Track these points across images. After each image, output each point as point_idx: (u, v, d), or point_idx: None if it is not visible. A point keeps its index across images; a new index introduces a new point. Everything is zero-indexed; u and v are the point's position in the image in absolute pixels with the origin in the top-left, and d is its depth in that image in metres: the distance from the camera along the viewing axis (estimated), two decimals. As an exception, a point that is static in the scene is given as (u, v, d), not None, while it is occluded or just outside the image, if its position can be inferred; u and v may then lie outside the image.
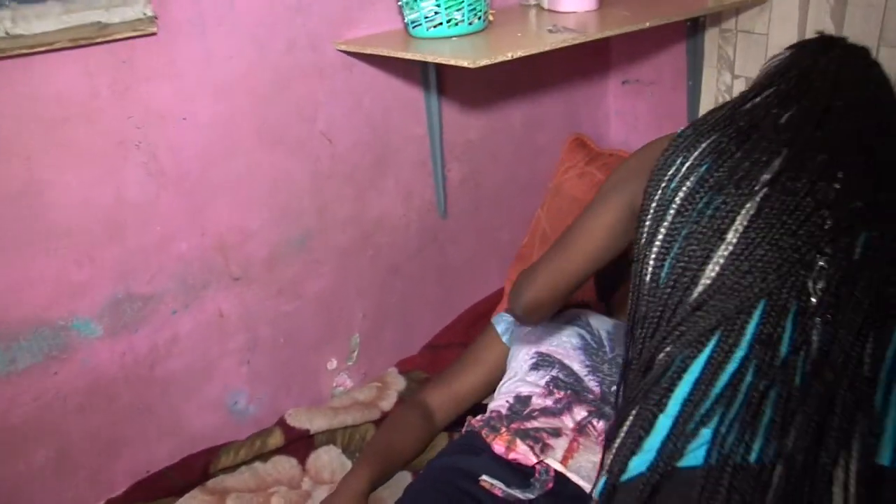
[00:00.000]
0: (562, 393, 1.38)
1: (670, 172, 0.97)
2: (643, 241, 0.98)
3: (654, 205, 0.97)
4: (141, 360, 1.33)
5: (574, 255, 1.15)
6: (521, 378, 1.44)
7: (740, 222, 0.89)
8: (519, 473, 1.24)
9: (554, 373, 1.41)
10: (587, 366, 1.42)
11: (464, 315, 1.85)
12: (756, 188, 0.89)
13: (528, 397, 1.39)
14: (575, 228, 1.16)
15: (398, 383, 1.65)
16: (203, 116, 1.30)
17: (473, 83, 1.68)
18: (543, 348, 1.46)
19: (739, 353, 0.84)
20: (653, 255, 0.95)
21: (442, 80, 1.61)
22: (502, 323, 1.62)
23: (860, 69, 1.03)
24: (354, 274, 1.60)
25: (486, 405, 1.60)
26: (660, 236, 0.95)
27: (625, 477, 0.86)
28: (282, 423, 1.49)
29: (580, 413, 1.34)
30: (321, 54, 1.42)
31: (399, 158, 1.60)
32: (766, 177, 0.90)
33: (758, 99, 1.01)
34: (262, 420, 1.51)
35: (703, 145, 0.97)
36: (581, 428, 1.32)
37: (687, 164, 0.96)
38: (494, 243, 1.89)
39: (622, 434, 0.90)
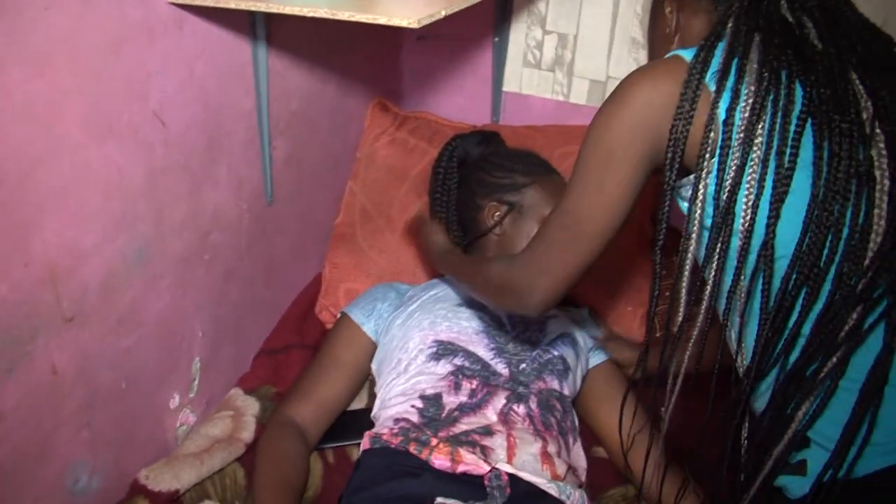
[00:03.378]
0: (472, 382, 1.28)
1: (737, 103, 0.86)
2: (726, 193, 0.86)
3: (734, 143, 0.86)
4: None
5: (593, 234, 0.97)
6: (418, 371, 1.30)
7: (878, 161, 0.83)
8: (470, 486, 1.14)
9: (458, 361, 1.30)
10: (492, 349, 1.34)
11: (291, 311, 1.62)
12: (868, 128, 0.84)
13: (438, 395, 1.27)
14: (585, 202, 0.97)
15: (251, 407, 1.39)
16: (16, 97, 0.91)
17: (298, 45, 1.43)
18: (443, 336, 1.33)
19: None
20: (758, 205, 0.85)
21: (270, 42, 1.34)
22: (360, 311, 1.44)
23: None
24: (192, 285, 1.29)
25: (364, 410, 1.44)
26: (767, 184, 0.84)
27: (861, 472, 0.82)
28: (141, 489, 1.16)
29: (499, 402, 1.26)
30: (150, 8, 1.08)
31: (231, 140, 1.31)
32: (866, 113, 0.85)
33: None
34: (110, 492, 1.16)
35: (760, 71, 0.86)
36: (506, 419, 1.24)
37: (750, 92, 0.85)
38: (314, 226, 1.67)
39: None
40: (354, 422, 1.41)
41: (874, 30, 0.95)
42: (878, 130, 0.84)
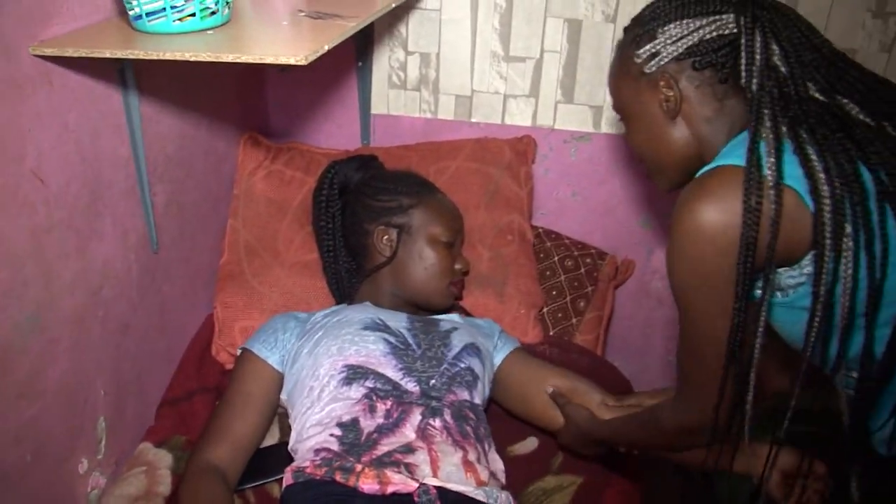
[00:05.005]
0: (386, 403, 1.30)
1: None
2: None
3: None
4: None
5: (720, 341, 0.97)
6: (332, 397, 1.31)
7: None
8: None
9: (370, 384, 1.32)
10: (400, 369, 1.37)
11: (187, 356, 1.58)
12: None
13: (355, 420, 1.28)
14: (703, 327, 0.98)
15: (163, 459, 1.36)
16: None
17: (168, 88, 1.41)
18: (352, 360, 1.35)
19: None
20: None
21: (140, 87, 1.31)
22: (261, 345, 1.43)
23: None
24: (89, 345, 1.24)
25: (278, 444, 1.43)
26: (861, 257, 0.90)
27: None
28: (62, 565, 1.11)
29: (415, 418, 1.30)
30: (16, 64, 1.04)
31: (112, 191, 1.27)
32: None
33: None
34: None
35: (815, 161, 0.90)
36: (424, 434, 1.28)
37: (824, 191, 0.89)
38: (201, 268, 1.64)
39: None
40: (270, 458, 1.40)
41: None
42: None
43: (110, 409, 1.31)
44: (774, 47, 0.97)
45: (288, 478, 1.24)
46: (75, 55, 1.06)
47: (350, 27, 1.17)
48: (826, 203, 0.89)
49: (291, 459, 1.32)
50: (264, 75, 1.89)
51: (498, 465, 1.36)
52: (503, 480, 1.34)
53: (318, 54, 1.02)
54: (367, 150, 1.81)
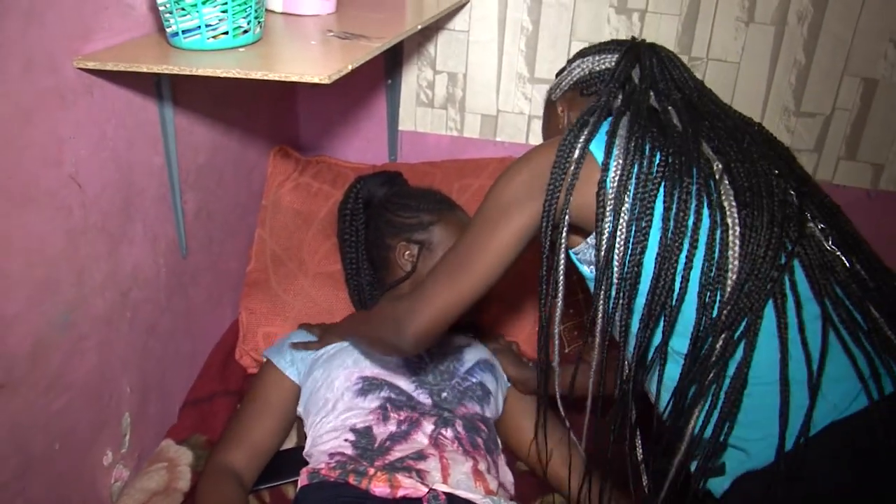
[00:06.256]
0: (399, 414, 1.34)
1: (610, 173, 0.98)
2: (607, 246, 0.98)
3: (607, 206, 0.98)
4: None
5: (472, 278, 1.07)
6: (346, 407, 1.36)
7: (730, 211, 0.95)
8: None
9: (384, 394, 1.37)
10: (413, 381, 1.41)
11: (211, 359, 1.64)
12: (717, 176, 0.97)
13: (368, 428, 1.33)
14: (469, 250, 1.08)
15: (184, 456, 1.41)
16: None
17: (202, 101, 1.48)
18: (367, 372, 1.39)
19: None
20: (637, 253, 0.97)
21: (175, 100, 1.38)
22: (281, 357, 1.49)
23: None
24: (117, 343, 1.30)
25: (295, 448, 1.47)
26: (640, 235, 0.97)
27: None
28: (82, 552, 1.16)
29: (428, 427, 1.33)
30: (61, 75, 1.10)
31: (145, 197, 1.34)
32: (718, 166, 0.98)
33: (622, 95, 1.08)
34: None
35: (625, 143, 0.99)
36: (436, 442, 1.31)
37: (619, 164, 0.98)
38: (228, 274, 1.70)
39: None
40: (287, 461, 1.45)
41: (738, 115, 1.11)
42: (728, 186, 0.97)
43: (135, 405, 1.37)
44: (636, 72, 1.10)
45: (303, 479, 1.29)
46: (115, 69, 1.13)
47: (375, 48, 1.22)
48: (614, 175, 0.98)
49: (306, 463, 1.36)
50: (296, 90, 1.96)
51: (508, 476, 1.39)
52: (512, 492, 1.37)
53: (342, 73, 1.07)
54: (392, 167, 1.86)
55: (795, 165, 1.08)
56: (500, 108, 1.89)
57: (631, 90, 1.08)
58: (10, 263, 1.04)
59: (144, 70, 1.11)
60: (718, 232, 0.95)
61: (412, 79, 1.89)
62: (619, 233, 0.97)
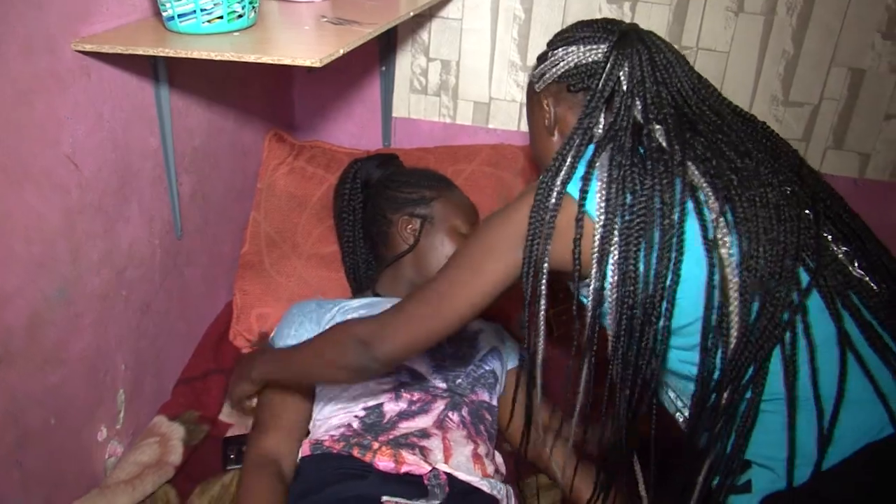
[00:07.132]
0: (412, 394, 1.37)
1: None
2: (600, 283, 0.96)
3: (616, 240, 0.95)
4: None
5: (449, 314, 1.05)
6: (362, 386, 1.37)
7: (728, 260, 0.93)
8: (412, 485, 1.22)
9: (401, 377, 1.39)
10: (432, 366, 1.44)
11: (205, 339, 1.67)
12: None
13: (380, 405, 1.35)
14: (457, 284, 1.05)
15: (177, 432, 1.44)
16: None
17: (198, 85, 1.50)
18: None
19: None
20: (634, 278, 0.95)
21: (171, 83, 1.40)
22: (283, 341, 1.50)
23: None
24: (112, 321, 1.33)
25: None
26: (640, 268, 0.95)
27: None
28: (77, 523, 1.19)
29: (437, 409, 1.36)
30: (59, 57, 1.13)
31: (140, 178, 1.36)
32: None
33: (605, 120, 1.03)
34: (45, 531, 1.19)
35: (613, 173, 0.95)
36: (441, 424, 1.34)
37: (602, 197, 0.95)
38: (222, 256, 1.73)
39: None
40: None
41: (740, 119, 1.07)
42: (723, 224, 0.94)
43: (129, 383, 1.40)
44: (624, 73, 1.03)
45: (305, 449, 1.30)
46: (112, 51, 1.15)
47: (367, 33, 1.24)
48: (600, 217, 0.95)
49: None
50: (291, 75, 1.98)
51: (500, 460, 1.42)
52: (504, 473, 1.40)
53: (333, 58, 1.10)
54: (387, 151, 1.88)
55: (804, 171, 1.04)
56: (493, 95, 1.91)
57: (616, 109, 1.02)
58: (9, 240, 1.07)
59: (141, 53, 1.14)
60: (717, 278, 0.93)
61: (406, 66, 1.91)
62: (606, 288, 0.96)
